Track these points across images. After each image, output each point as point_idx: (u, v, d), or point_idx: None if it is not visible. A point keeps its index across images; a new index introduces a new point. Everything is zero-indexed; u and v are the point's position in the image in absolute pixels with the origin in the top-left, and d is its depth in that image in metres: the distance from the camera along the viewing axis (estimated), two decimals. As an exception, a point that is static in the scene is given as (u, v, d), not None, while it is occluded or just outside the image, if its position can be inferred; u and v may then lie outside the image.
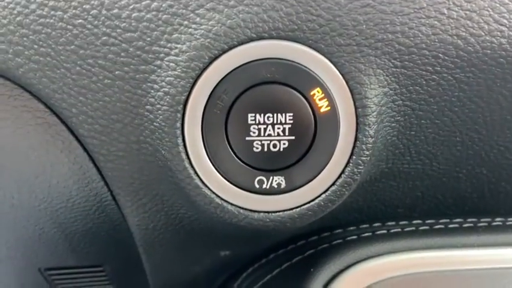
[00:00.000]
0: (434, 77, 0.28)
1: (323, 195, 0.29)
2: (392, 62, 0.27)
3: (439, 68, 0.27)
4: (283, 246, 0.38)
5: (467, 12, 0.27)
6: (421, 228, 0.37)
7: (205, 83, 0.27)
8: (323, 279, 0.34)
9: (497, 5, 0.27)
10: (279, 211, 0.29)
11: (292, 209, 0.29)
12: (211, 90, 0.28)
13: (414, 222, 0.37)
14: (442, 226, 0.37)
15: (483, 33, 0.27)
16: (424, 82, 0.28)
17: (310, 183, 0.29)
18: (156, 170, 0.29)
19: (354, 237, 0.37)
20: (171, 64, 0.27)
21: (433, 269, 0.34)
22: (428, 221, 0.37)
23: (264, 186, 0.29)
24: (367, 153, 0.29)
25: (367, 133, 0.28)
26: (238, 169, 0.29)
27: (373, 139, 0.29)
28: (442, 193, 0.36)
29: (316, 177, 0.29)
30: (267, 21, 0.27)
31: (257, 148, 0.28)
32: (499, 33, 0.27)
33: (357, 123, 0.28)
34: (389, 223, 0.36)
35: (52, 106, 0.28)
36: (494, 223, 0.37)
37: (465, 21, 0.27)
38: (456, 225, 0.37)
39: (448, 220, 0.37)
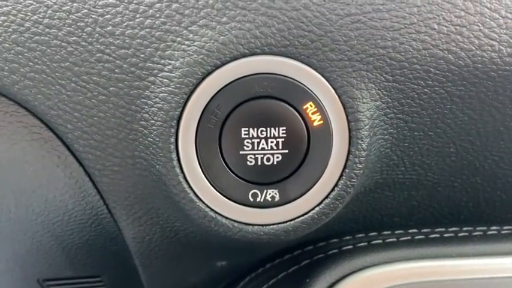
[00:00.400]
0: (426, 90, 0.28)
1: (317, 208, 0.30)
2: (384, 77, 0.28)
3: (430, 82, 0.28)
4: (280, 256, 0.38)
5: (458, 27, 0.27)
6: (417, 237, 0.37)
7: (198, 98, 0.28)
8: (319, 290, 0.34)
9: (487, 19, 0.27)
10: (273, 224, 0.29)
11: (286, 221, 0.29)
12: (204, 105, 0.28)
13: (410, 231, 0.37)
14: (438, 235, 0.37)
15: (474, 48, 0.27)
16: (416, 95, 0.28)
17: (304, 196, 0.29)
18: (150, 184, 0.29)
19: (350, 247, 0.37)
20: (165, 80, 0.27)
21: (428, 279, 0.34)
22: (424, 230, 0.37)
23: (258, 199, 0.29)
24: (360, 166, 0.29)
25: (359, 146, 0.29)
26: (232, 183, 0.29)
27: (366, 152, 0.29)
28: (438, 202, 0.36)
29: (309, 190, 0.29)
30: (259, 37, 0.27)
31: (251, 162, 0.29)
32: (489, 47, 0.27)
33: (350, 137, 0.29)
34: (385, 232, 0.37)
35: (48, 122, 0.28)
36: (490, 232, 0.38)
37: (455, 36, 0.27)
38: (452, 235, 0.37)
39: (443, 229, 0.37)
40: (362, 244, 0.37)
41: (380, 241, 0.37)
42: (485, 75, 0.28)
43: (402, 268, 0.34)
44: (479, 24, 0.27)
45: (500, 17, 0.27)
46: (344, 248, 0.37)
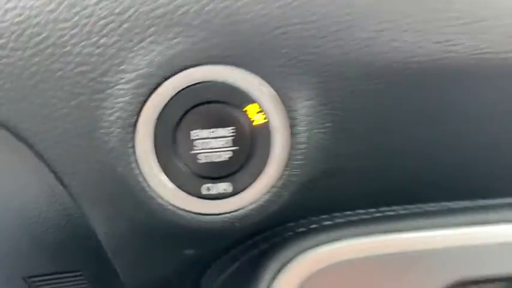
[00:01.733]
0: (352, 88, 0.32)
1: (265, 197, 0.33)
2: (315, 79, 0.31)
3: (354, 81, 0.31)
4: (242, 243, 0.42)
5: (374, 32, 0.31)
6: (363, 217, 0.41)
7: (152, 107, 0.31)
8: (274, 269, 0.38)
9: (397, 25, 0.31)
10: (226, 213, 0.33)
11: (238, 210, 0.33)
12: (158, 112, 0.31)
13: (357, 211, 0.41)
14: (381, 214, 0.41)
15: (390, 50, 0.31)
16: (343, 93, 0.32)
17: (253, 186, 0.33)
18: (115, 185, 0.32)
19: (304, 229, 0.41)
20: (121, 92, 0.31)
21: (372, 253, 0.38)
22: (370, 210, 0.41)
23: (212, 192, 0.33)
24: (301, 157, 0.33)
25: (299, 140, 0.32)
26: (188, 179, 0.33)
27: (305, 145, 0.33)
28: (381, 185, 0.40)
29: (257, 181, 0.33)
30: (203, 49, 0.30)
31: (203, 160, 0.32)
32: (404, 48, 0.31)
33: (290, 132, 0.33)
34: (336, 214, 0.41)
35: (19, 134, 0.32)
36: (429, 208, 0.42)
37: (373, 41, 0.31)
38: (393, 213, 0.41)
39: (387, 208, 0.42)
40: (314, 226, 0.41)
41: (331, 222, 0.41)
42: (401, 74, 0.32)
43: (349, 245, 0.39)
44: (393, 28, 0.31)
45: (408, 22, 0.31)
46: (299, 230, 0.41)
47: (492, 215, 0.40)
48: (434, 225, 0.40)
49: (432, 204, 0.42)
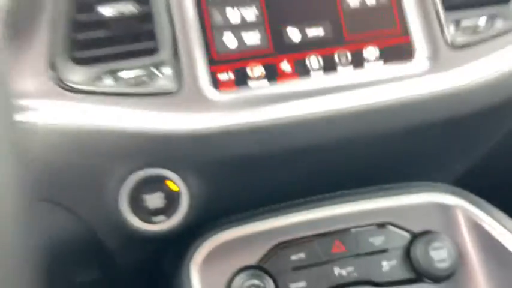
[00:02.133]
0: (216, 173, 0.69)
1: (184, 219, 0.71)
2: (197, 170, 0.68)
3: (217, 169, 0.69)
4: (184, 239, 0.80)
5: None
6: (245, 215, 0.79)
7: (126, 187, 0.68)
8: (196, 246, 0.76)
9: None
10: (165, 229, 0.71)
11: (170, 227, 0.71)
12: (129, 188, 0.68)
13: (239, 214, 0.79)
14: (257, 212, 0.79)
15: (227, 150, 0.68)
16: (213, 175, 0.70)
17: (175, 216, 0.71)
18: (112, 221, 0.70)
19: (212, 226, 0.79)
20: (111, 184, 0.67)
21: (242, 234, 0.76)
22: (250, 211, 0.79)
23: (156, 221, 0.71)
24: (198, 200, 0.71)
25: (195, 195, 0.70)
26: (147, 217, 0.70)
27: (198, 196, 0.70)
28: (251, 200, 0.78)
29: (176, 214, 0.71)
30: (143, 161, 0.67)
31: (152, 207, 0.70)
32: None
33: (190, 192, 0.70)
34: (226, 217, 0.78)
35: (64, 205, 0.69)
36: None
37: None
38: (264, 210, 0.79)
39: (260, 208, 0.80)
40: (218, 223, 0.78)
41: (227, 220, 0.79)
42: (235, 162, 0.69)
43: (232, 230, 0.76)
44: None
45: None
46: (209, 227, 0.79)
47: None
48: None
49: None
